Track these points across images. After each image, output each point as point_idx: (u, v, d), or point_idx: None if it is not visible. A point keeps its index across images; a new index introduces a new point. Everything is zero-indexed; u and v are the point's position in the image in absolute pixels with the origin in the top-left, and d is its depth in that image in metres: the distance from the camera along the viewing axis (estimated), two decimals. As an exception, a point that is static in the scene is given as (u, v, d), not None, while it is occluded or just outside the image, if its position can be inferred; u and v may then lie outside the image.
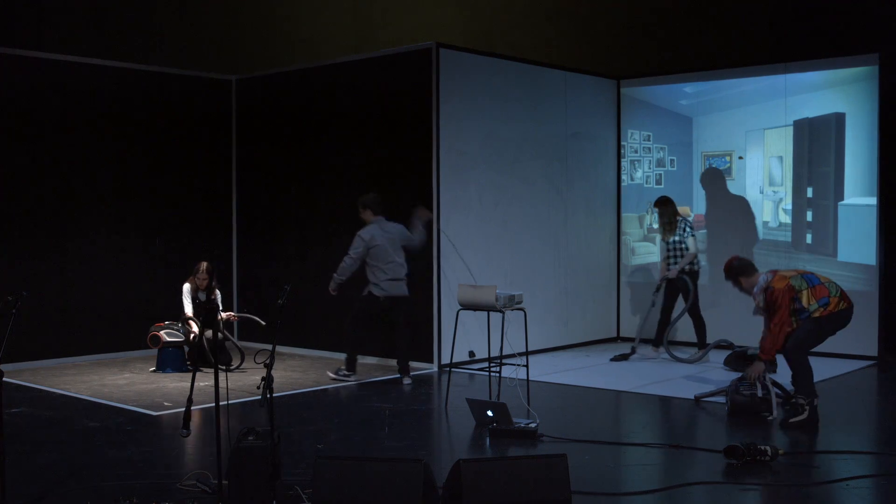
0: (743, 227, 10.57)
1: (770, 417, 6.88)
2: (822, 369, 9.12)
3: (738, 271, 7.19)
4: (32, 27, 11.51)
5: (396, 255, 8.60)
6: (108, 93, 10.16)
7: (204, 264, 9.29)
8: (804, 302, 6.83)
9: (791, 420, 6.65)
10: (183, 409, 4.70)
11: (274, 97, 10.94)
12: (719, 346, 9.66)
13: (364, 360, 9.74)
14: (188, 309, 9.17)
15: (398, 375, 8.63)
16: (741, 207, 10.57)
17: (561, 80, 10.70)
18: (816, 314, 6.82)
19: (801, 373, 6.78)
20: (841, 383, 8.68)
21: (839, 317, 6.90)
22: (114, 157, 10.23)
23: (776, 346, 6.82)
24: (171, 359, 9.11)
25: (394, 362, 9.28)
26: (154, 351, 9.27)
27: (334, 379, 8.63)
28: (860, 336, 9.65)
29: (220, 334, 9.08)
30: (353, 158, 10.13)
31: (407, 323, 8.77)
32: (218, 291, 9.48)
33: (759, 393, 6.94)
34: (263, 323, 9.16)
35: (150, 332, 9.12)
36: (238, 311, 10.57)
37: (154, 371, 9.12)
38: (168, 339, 9.07)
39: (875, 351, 9.70)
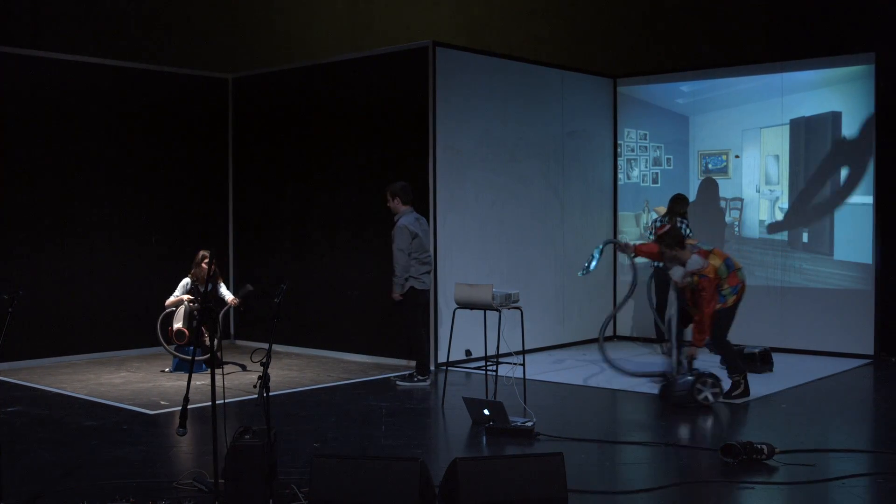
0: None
1: (709, 400, 7.28)
2: (818, 368, 9.16)
3: (678, 241, 7.56)
4: (29, 26, 11.48)
5: (428, 247, 8.56)
6: (104, 91, 10.15)
7: (201, 253, 9.22)
8: (722, 286, 7.56)
9: (733, 394, 7.53)
10: (179, 407, 4.70)
11: (270, 96, 10.93)
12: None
13: (363, 360, 9.74)
14: (172, 298, 9.11)
15: (413, 373, 8.53)
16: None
17: (557, 78, 10.70)
18: (730, 302, 7.61)
19: (729, 356, 7.64)
20: (837, 382, 8.69)
21: (740, 300, 7.72)
22: (110, 156, 10.22)
23: (707, 332, 7.41)
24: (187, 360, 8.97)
25: (392, 361, 9.29)
26: (153, 349, 9.27)
27: (406, 388, 8.33)
28: (856, 335, 9.67)
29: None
30: (350, 157, 10.12)
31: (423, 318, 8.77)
32: (222, 282, 9.43)
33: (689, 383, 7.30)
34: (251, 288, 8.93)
35: (169, 326, 9.03)
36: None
37: (170, 371, 9.11)
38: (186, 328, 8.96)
39: (871, 349, 9.71)
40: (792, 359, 9.64)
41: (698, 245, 7.71)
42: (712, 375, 7.38)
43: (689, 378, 7.32)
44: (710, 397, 7.27)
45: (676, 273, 7.56)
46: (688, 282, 7.51)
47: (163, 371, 9.10)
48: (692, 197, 10.82)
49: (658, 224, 9.80)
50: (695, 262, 7.46)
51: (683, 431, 6.80)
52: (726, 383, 7.57)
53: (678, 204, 9.93)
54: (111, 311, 10.14)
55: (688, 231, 9.71)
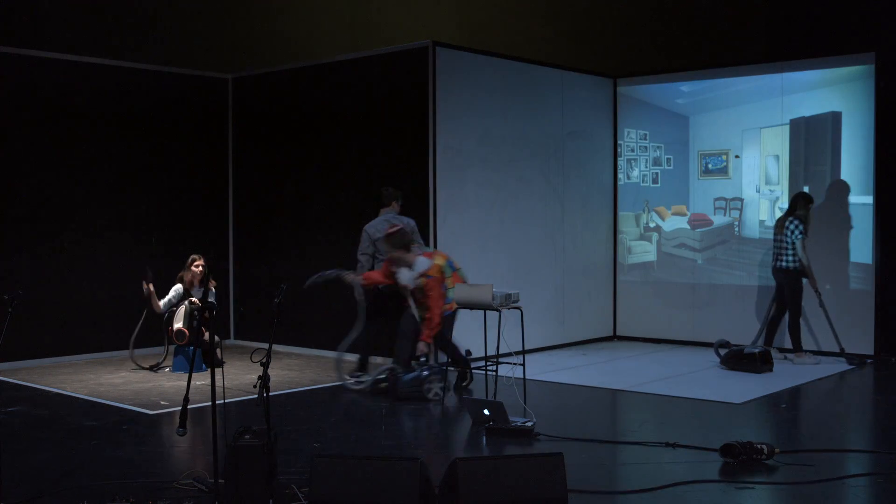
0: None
1: (435, 396, 7.64)
2: (818, 368, 9.16)
3: (402, 244, 7.77)
4: (29, 25, 11.48)
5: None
6: (104, 91, 10.15)
7: (196, 257, 9.24)
8: (447, 285, 7.81)
9: (462, 384, 8.12)
10: (179, 407, 4.70)
11: (270, 96, 10.93)
12: (722, 345, 9.63)
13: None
14: (161, 303, 9.11)
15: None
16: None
17: (558, 78, 10.70)
18: (456, 305, 7.81)
19: (454, 353, 8.08)
20: (837, 382, 8.69)
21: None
22: (110, 156, 10.22)
23: (436, 330, 7.70)
24: (187, 359, 8.95)
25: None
26: (153, 349, 9.27)
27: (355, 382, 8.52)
28: (856, 335, 9.66)
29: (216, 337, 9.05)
30: (350, 157, 10.13)
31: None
32: (213, 287, 9.42)
33: (426, 373, 7.66)
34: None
35: (169, 326, 9.02)
36: (236, 310, 10.62)
37: (170, 370, 9.11)
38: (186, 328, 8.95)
39: (871, 349, 9.70)
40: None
41: (426, 247, 8.01)
42: (439, 371, 7.74)
43: (422, 374, 7.64)
44: (439, 392, 7.63)
45: (404, 277, 7.79)
46: (417, 283, 7.76)
47: (148, 366, 9.11)
48: (692, 190, 10.83)
49: (791, 225, 9.42)
50: (421, 263, 7.75)
51: (684, 431, 6.80)
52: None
53: (800, 203, 9.48)
54: (111, 311, 10.13)
55: (798, 234, 9.33)
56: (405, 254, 7.79)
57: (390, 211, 8.69)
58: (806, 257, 9.38)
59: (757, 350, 9.02)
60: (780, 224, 9.57)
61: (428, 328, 7.72)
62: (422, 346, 7.75)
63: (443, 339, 7.99)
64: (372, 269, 8.45)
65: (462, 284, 7.56)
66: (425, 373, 7.68)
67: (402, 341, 7.98)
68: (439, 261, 7.84)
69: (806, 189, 10.04)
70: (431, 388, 7.65)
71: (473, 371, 8.44)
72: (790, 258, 9.45)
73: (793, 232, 9.39)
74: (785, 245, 9.47)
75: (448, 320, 7.94)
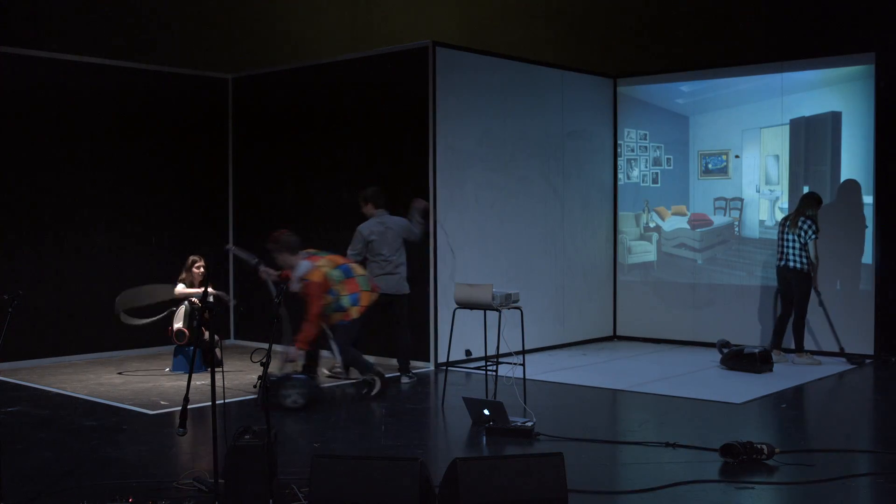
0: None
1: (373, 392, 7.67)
2: (818, 368, 9.16)
3: (286, 246, 7.66)
4: (29, 25, 11.48)
5: (393, 251, 8.56)
6: (104, 91, 10.15)
7: (196, 258, 9.24)
8: (339, 292, 7.68)
9: (371, 393, 7.70)
10: (179, 407, 4.70)
11: (270, 96, 10.93)
12: (724, 345, 9.62)
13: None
14: (182, 289, 9.12)
15: (398, 374, 8.63)
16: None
17: (558, 78, 10.70)
18: (353, 313, 7.73)
19: (358, 363, 7.84)
20: (837, 381, 8.69)
21: (365, 310, 7.84)
22: (110, 156, 10.22)
23: (310, 335, 7.50)
24: (187, 359, 8.94)
25: (394, 361, 9.27)
26: (153, 349, 9.27)
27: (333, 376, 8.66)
28: (856, 335, 9.66)
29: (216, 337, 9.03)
30: (350, 156, 10.13)
31: (406, 320, 8.76)
32: (211, 288, 9.42)
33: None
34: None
35: (169, 326, 9.02)
36: (235, 311, 10.59)
37: (170, 371, 9.10)
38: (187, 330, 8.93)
39: (871, 349, 9.70)
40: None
41: (316, 252, 7.83)
42: (305, 378, 7.39)
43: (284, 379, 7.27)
44: (298, 399, 7.18)
45: (293, 281, 7.67)
46: (298, 288, 7.63)
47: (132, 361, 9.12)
48: (692, 190, 10.83)
49: (790, 224, 9.38)
50: (302, 267, 7.61)
51: (684, 431, 6.81)
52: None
53: (807, 203, 9.38)
54: (111, 311, 10.11)
55: (811, 234, 9.24)
56: (289, 256, 7.66)
57: (385, 212, 8.69)
58: (817, 258, 9.32)
59: (757, 350, 9.01)
60: (791, 223, 9.41)
61: (301, 334, 7.47)
62: (291, 352, 7.51)
63: (340, 350, 7.83)
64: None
65: (463, 284, 7.54)
66: (288, 379, 7.34)
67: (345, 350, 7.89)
68: (324, 266, 7.64)
69: (806, 189, 10.04)
70: (289, 394, 7.21)
71: (476, 372, 8.44)
72: (802, 258, 9.34)
73: (806, 232, 9.28)
74: (796, 245, 9.36)
75: (346, 329, 7.76)
